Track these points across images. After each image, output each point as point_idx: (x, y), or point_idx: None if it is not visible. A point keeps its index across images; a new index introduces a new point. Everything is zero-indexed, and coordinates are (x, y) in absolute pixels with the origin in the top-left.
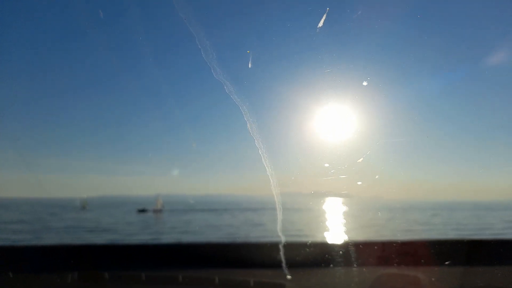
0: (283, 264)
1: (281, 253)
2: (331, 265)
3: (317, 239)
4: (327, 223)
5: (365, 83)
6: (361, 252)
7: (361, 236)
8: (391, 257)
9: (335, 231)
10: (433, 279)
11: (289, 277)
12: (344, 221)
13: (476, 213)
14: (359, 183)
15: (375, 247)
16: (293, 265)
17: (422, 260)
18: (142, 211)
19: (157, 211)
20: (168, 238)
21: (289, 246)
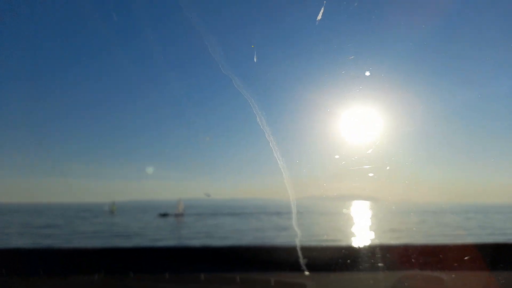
0: (303, 267)
1: (300, 255)
2: (353, 268)
3: (340, 242)
4: (351, 226)
5: (382, 75)
6: (384, 255)
7: (386, 239)
8: (416, 260)
9: (358, 234)
10: (455, 281)
11: (307, 273)
12: (367, 224)
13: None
14: (371, 174)
15: (400, 250)
16: (313, 268)
17: (447, 264)
18: (164, 215)
19: (178, 215)
20: (187, 241)
21: (309, 249)
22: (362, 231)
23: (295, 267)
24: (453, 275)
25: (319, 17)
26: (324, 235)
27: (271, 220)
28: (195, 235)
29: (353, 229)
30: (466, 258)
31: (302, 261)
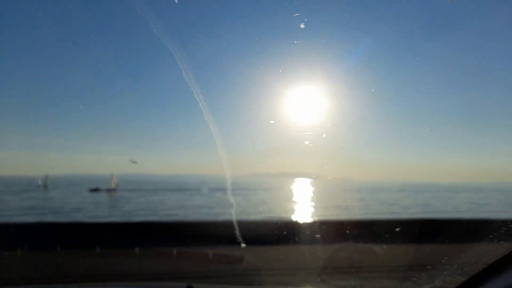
0: (240, 240)
1: (237, 230)
2: (289, 241)
3: (279, 217)
4: (289, 202)
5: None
6: (320, 229)
7: (323, 215)
8: (350, 234)
9: (297, 210)
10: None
11: (243, 245)
12: (306, 200)
13: (432, 195)
14: (307, 142)
15: (335, 224)
16: (251, 242)
17: (375, 238)
18: (94, 190)
19: (111, 191)
20: (117, 218)
21: (247, 224)
22: (301, 207)
23: (233, 241)
24: (384, 247)
25: None
26: (265, 211)
27: (211, 196)
28: (127, 211)
29: (293, 205)
30: (395, 231)
31: (238, 235)
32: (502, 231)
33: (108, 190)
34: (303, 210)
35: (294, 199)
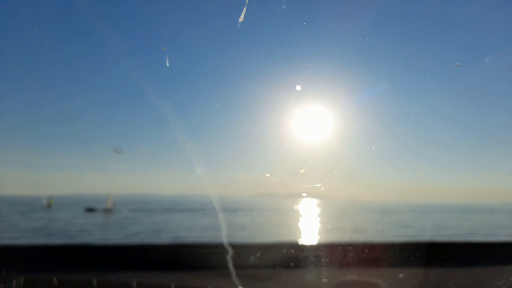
0: (231, 266)
1: (229, 256)
2: (287, 267)
3: (275, 240)
4: (294, 224)
5: (309, 80)
6: (318, 255)
7: (327, 238)
8: (354, 259)
9: (300, 232)
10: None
11: (239, 286)
12: (312, 223)
13: (440, 216)
14: (315, 173)
15: (334, 248)
16: (245, 266)
17: (381, 263)
18: (90, 210)
19: (107, 211)
20: (114, 239)
21: (239, 248)
22: (307, 229)
23: (224, 266)
24: (388, 274)
25: (241, 19)
26: (268, 233)
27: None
28: (118, 231)
29: (299, 227)
30: (403, 255)
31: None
32: None
33: (104, 210)
34: (308, 233)
35: (296, 220)
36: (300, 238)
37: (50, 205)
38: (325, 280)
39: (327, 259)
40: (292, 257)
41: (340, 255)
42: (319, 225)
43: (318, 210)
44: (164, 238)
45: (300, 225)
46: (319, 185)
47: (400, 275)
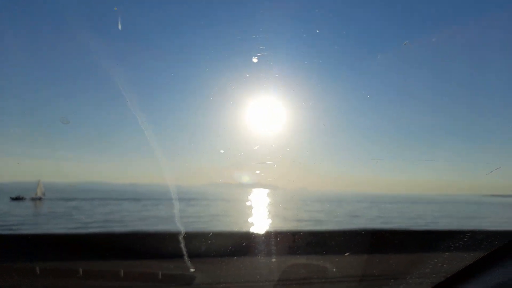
0: (185, 255)
1: (182, 244)
2: (239, 255)
3: (228, 229)
4: (242, 213)
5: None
6: (268, 242)
7: (274, 226)
8: (300, 246)
9: (249, 221)
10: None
11: (192, 269)
12: (263, 212)
13: (381, 205)
14: (268, 163)
15: (284, 237)
16: (198, 255)
17: (326, 250)
18: (16, 199)
19: (35, 199)
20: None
21: (192, 236)
22: (258, 218)
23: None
24: (336, 259)
25: None
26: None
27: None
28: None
29: (251, 216)
30: (349, 243)
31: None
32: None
33: (33, 199)
34: (252, 221)
35: (244, 209)
36: (252, 226)
37: None
38: (274, 264)
39: (277, 247)
40: (243, 244)
41: (289, 242)
42: (269, 214)
43: (269, 199)
44: (104, 228)
45: (251, 214)
46: (269, 162)
47: (346, 254)
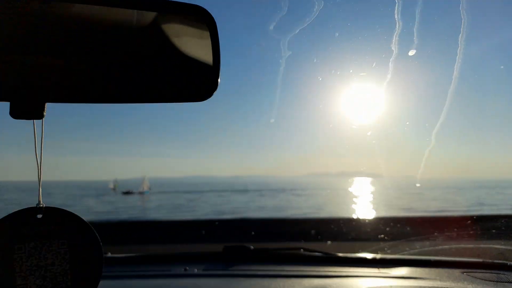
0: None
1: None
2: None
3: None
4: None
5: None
6: (460, 227)
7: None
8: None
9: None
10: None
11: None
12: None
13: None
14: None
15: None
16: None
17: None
18: (127, 193)
19: (142, 193)
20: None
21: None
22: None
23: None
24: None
25: None
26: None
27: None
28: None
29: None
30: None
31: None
32: None
33: (140, 193)
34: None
35: (353, 198)
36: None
37: (115, 188)
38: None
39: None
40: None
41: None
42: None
43: (382, 188)
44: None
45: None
46: (373, 149)
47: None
